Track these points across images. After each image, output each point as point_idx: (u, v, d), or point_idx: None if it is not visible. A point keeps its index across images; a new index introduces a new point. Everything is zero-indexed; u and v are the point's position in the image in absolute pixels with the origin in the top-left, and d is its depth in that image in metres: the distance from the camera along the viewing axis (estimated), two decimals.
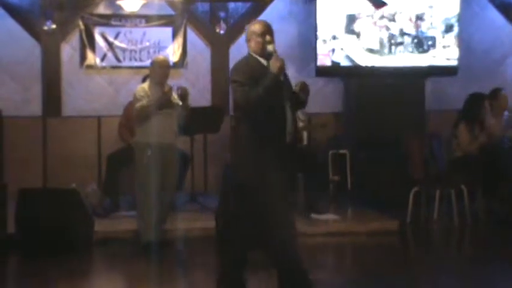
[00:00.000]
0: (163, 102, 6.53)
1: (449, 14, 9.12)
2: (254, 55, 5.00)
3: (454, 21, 9.13)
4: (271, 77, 4.83)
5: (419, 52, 9.15)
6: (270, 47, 4.92)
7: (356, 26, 8.99)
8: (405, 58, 9.10)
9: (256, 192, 4.85)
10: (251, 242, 5.05)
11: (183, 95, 6.66)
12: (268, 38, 4.94)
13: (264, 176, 4.81)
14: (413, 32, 9.11)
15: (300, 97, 5.23)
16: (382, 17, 9.01)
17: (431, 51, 9.17)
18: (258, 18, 9.17)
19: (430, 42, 9.15)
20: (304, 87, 5.11)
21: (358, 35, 9.01)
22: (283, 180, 4.88)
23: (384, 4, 8.14)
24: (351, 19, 8.96)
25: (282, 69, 4.88)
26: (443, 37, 9.18)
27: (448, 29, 9.15)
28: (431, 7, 9.09)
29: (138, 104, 6.60)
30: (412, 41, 9.12)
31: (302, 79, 9.27)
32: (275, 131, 4.86)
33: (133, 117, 6.90)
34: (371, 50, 9.04)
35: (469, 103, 8.23)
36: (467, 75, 9.34)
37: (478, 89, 8.61)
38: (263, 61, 4.96)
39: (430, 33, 9.16)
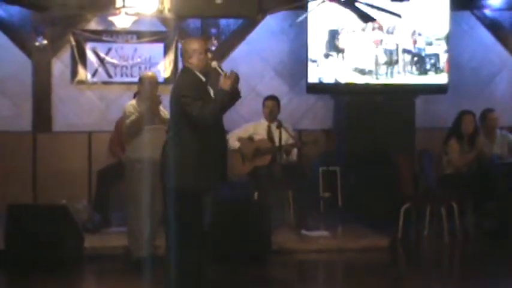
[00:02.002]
0: (153, 112, 6.56)
1: (438, 33, 9.16)
2: (195, 71, 5.29)
3: (443, 39, 9.17)
4: (225, 93, 5.17)
5: (420, 74, 9.14)
6: (214, 64, 5.27)
7: (344, 43, 9.00)
8: (397, 76, 9.12)
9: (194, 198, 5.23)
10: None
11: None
12: (210, 55, 5.32)
13: (205, 184, 5.26)
14: (412, 49, 9.13)
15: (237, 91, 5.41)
16: (374, 28, 9.00)
17: (432, 73, 9.18)
18: (248, 37, 9.28)
19: (432, 61, 9.18)
20: (235, 78, 5.33)
21: (343, 52, 8.99)
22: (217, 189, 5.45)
23: (399, 16, 8.10)
24: (335, 35, 8.97)
25: (233, 86, 5.19)
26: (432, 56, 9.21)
27: (438, 47, 9.18)
28: (420, 26, 9.11)
29: (127, 120, 6.64)
30: (412, 60, 9.14)
31: (293, 96, 9.35)
32: (217, 141, 5.33)
33: (124, 134, 6.92)
34: (362, 71, 9.03)
35: (459, 120, 8.30)
36: (456, 93, 9.39)
37: (468, 107, 8.65)
38: (202, 77, 5.30)
39: (431, 51, 9.17)
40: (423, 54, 9.13)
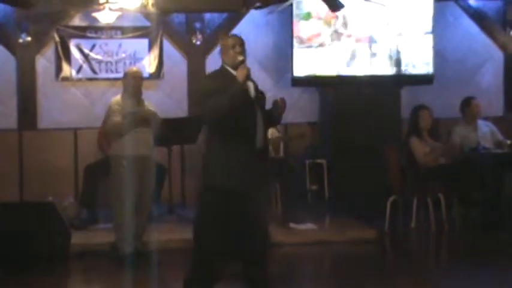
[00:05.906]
0: (137, 119, 6.56)
1: (423, 23, 9.16)
2: (227, 67, 5.20)
3: (428, 30, 9.17)
4: (237, 85, 5.01)
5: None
6: (239, 57, 5.13)
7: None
8: (381, 67, 9.13)
9: (229, 200, 4.97)
10: (224, 251, 5.19)
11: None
12: (238, 49, 5.16)
13: (235, 184, 4.97)
14: (398, 43, 9.13)
15: (272, 114, 5.28)
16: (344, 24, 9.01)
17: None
18: (232, 31, 9.24)
19: (424, 60, 9.18)
20: (277, 104, 5.25)
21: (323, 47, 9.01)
22: (256, 187, 5.05)
23: (342, 6, 7.98)
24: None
25: (247, 76, 5.04)
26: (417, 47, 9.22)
27: (422, 38, 9.19)
28: (404, 17, 9.12)
29: (111, 120, 6.63)
30: (398, 56, 9.15)
31: (278, 89, 9.34)
32: (244, 139, 5.02)
33: (106, 132, 6.92)
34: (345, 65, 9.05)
35: (415, 116, 8.24)
36: (442, 84, 9.40)
37: (453, 97, 8.66)
38: (235, 73, 5.12)
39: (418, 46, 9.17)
40: (410, 51, 9.14)
